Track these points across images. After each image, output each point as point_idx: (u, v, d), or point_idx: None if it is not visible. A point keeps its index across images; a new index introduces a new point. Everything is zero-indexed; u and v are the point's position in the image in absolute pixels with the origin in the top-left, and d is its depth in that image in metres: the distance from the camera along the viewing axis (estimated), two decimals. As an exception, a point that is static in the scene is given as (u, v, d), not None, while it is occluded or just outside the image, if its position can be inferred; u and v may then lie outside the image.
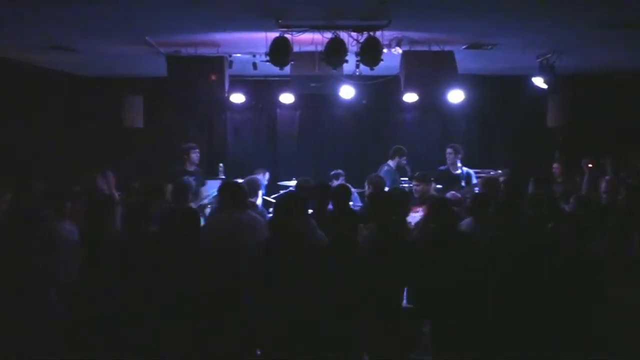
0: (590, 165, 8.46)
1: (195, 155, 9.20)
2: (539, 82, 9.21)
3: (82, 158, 10.57)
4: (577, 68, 9.90)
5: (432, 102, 10.71)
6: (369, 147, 9.65)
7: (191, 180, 8.58)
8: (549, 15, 6.84)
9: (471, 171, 9.44)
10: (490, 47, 8.53)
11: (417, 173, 8.31)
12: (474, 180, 9.21)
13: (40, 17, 6.86)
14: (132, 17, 6.93)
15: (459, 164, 9.42)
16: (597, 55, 9.08)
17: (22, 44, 8.37)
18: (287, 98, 10.74)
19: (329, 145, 9.80)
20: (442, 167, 9.50)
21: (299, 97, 10.74)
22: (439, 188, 8.57)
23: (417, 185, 7.90)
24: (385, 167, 9.45)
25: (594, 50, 8.69)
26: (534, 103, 10.64)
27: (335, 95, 10.01)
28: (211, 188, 8.58)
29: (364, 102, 10.84)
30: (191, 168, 9.15)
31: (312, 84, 8.85)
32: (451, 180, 9.05)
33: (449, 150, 9.50)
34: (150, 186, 6.85)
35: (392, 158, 9.51)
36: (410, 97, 10.10)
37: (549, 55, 8.76)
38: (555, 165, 9.48)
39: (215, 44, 8.38)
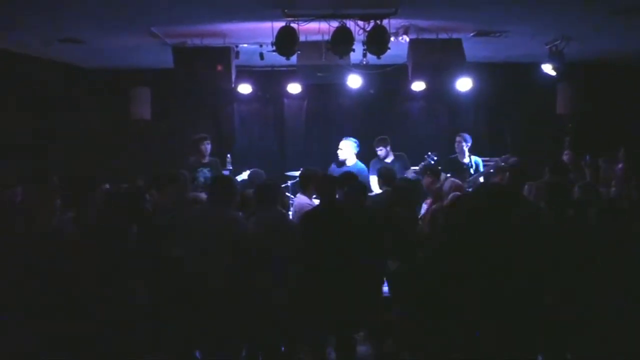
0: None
1: (205, 147, 9.17)
2: (548, 69, 9.11)
3: (90, 150, 10.56)
4: (587, 54, 9.80)
5: (440, 90, 10.66)
6: (377, 136, 9.56)
7: (206, 172, 8.84)
8: (558, 1, 6.76)
9: (479, 160, 9.38)
10: (498, 34, 8.44)
11: (425, 165, 8.30)
12: (482, 169, 9.16)
13: (48, 10, 6.85)
14: (138, 8, 6.90)
15: (468, 153, 9.34)
16: (608, 41, 8.97)
17: (30, 37, 8.37)
18: (294, 88, 10.70)
19: (336, 135, 9.73)
20: (451, 156, 9.43)
21: (306, 87, 10.70)
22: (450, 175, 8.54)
23: (427, 177, 7.84)
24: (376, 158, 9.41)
25: (604, 36, 8.59)
26: (543, 90, 10.53)
27: (342, 84, 9.97)
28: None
29: (371, 91, 10.79)
30: (205, 160, 9.13)
31: (319, 74, 8.79)
32: (459, 169, 9.00)
33: (457, 139, 9.44)
34: (165, 174, 6.81)
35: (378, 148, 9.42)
36: (418, 86, 10.08)
37: (558, 42, 8.67)
38: (565, 152, 9.41)
39: (221, 35, 8.34)
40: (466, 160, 9.27)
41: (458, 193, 6.52)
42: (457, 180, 7.14)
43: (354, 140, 9.19)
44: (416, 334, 5.49)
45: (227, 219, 5.60)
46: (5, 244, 5.02)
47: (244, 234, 5.55)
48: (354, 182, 6.46)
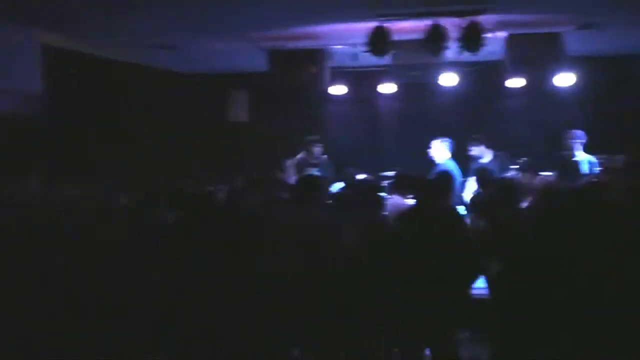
0: None
1: (315, 149, 9.39)
2: (657, 61, 8.65)
3: (190, 154, 10.91)
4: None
5: (539, 86, 10.29)
6: (473, 135, 9.37)
7: (315, 171, 8.96)
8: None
9: (593, 159, 8.90)
10: (601, 26, 8.08)
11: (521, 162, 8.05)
12: (596, 168, 8.69)
13: (143, 16, 7.13)
14: (232, 12, 7.07)
15: (581, 151, 8.89)
16: None
17: (125, 44, 8.73)
18: (388, 88, 10.64)
19: (431, 134, 9.61)
20: (562, 153, 8.99)
21: (400, 87, 10.61)
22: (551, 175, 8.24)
23: (526, 175, 7.60)
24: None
25: None
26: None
27: (436, 83, 9.82)
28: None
29: (467, 89, 10.56)
30: (314, 159, 9.35)
31: (413, 73, 8.73)
32: (571, 167, 8.59)
33: (569, 136, 9.00)
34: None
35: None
36: (516, 82, 9.77)
37: (668, 32, 8.22)
38: (676, 150, 8.88)
39: (314, 37, 8.42)
40: (578, 158, 8.81)
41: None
42: (547, 179, 6.89)
43: (445, 139, 9.02)
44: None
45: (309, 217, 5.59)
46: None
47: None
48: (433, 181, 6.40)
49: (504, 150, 9.24)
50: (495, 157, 9.00)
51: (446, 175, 6.75)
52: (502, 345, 5.83)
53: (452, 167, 8.79)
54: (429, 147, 9.09)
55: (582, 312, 4.83)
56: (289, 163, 9.70)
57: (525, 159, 8.35)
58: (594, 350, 4.78)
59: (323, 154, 9.71)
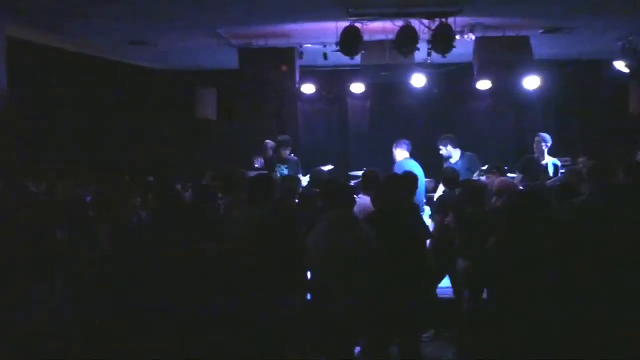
0: None
1: (285, 152, 9.43)
2: (620, 66, 8.83)
3: (156, 150, 10.83)
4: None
5: (506, 89, 10.43)
6: (441, 136, 9.45)
7: (284, 169, 9.20)
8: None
9: (558, 162, 9.04)
10: (568, 30, 8.22)
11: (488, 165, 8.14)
12: (561, 171, 8.83)
13: (118, 13, 7.06)
14: (204, 10, 7.03)
15: (547, 154, 9.01)
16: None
17: (100, 40, 8.64)
18: (357, 88, 10.67)
19: (400, 135, 9.66)
20: (528, 156, 9.11)
21: (369, 87, 10.66)
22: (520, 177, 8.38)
23: (492, 176, 7.70)
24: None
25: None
26: (615, 88, 10.20)
27: (406, 84, 9.88)
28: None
29: (435, 90, 10.64)
30: (285, 157, 9.42)
31: (383, 73, 8.75)
32: (537, 170, 8.73)
33: (537, 139, 9.10)
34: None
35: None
36: (484, 85, 9.88)
37: (631, 38, 8.38)
38: (639, 153, 9.07)
39: (285, 35, 8.41)
40: (545, 161, 8.94)
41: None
42: (508, 180, 6.98)
43: (404, 140, 9.07)
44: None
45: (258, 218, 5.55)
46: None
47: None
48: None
49: (472, 151, 9.35)
50: (463, 157, 9.08)
51: (411, 176, 6.80)
52: (468, 344, 5.94)
53: (413, 167, 8.79)
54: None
55: (548, 309, 4.94)
56: (258, 161, 9.73)
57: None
58: (557, 345, 4.91)
59: (292, 152, 9.74)
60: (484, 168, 8.34)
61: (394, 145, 8.99)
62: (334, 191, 5.54)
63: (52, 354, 4.83)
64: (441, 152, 9.11)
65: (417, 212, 6.30)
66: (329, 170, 9.00)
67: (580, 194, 5.93)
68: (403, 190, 6.20)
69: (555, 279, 4.94)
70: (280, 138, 9.60)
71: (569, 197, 5.80)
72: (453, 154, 9.05)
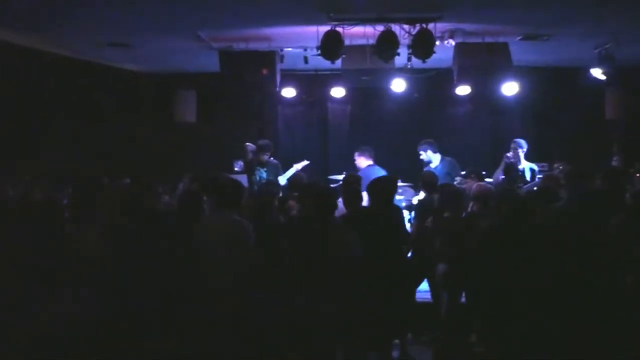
0: (638, 175, 8.16)
1: (264, 156, 9.37)
2: (597, 73, 8.94)
3: (135, 152, 10.76)
4: (637, 58, 9.56)
5: (485, 94, 10.53)
6: (421, 140, 9.50)
7: (263, 172, 9.21)
8: (609, 3, 6.63)
9: (535, 166, 9.11)
10: (546, 37, 8.33)
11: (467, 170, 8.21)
12: (538, 176, 8.90)
13: (98, 14, 7.02)
14: (185, 12, 7.01)
15: (523, 159, 9.07)
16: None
17: (80, 41, 8.58)
18: (338, 92, 10.69)
19: (380, 139, 9.73)
20: (506, 161, 9.16)
21: (350, 91, 10.68)
22: (504, 179, 8.45)
23: (471, 181, 7.75)
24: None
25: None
26: (591, 95, 10.34)
27: (386, 88, 9.93)
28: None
29: (415, 95, 10.70)
30: (264, 161, 9.40)
31: (363, 78, 8.79)
32: (515, 175, 8.79)
33: (512, 145, 9.14)
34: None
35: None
36: (463, 90, 9.96)
37: (608, 46, 8.50)
38: (614, 158, 9.20)
39: (266, 39, 8.42)
40: (521, 166, 9.01)
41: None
42: (486, 185, 7.04)
43: (366, 147, 9.14)
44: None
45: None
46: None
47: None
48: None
49: (451, 155, 9.40)
50: (443, 161, 9.12)
51: (391, 180, 6.83)
52: (446, 347, 5.98)
53: (378, 173, 8.80)
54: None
55: (531, 312, 5.01)
56: (238, 164, 9.73)
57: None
58: (538, 348, 4.98)
59: (272, 156, 9.75)
60: (464, 173, 8.41)
61: (357, 153, 9.04)
62: (315, 195, 5.50)
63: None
64: (421, 157, 9.14)
65: (397, 215, 6.32)
66: (304, 166, 9.12)
67: (558, 198, 6.01)
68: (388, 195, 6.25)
69: (538, 282, 5.02)
70: (260, 142, 9.62)
71: (547, 202, 5.87)
72: (433, 158, 9.08)
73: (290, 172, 9.10)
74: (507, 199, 5.80)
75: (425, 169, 8.87)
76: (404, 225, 6.39)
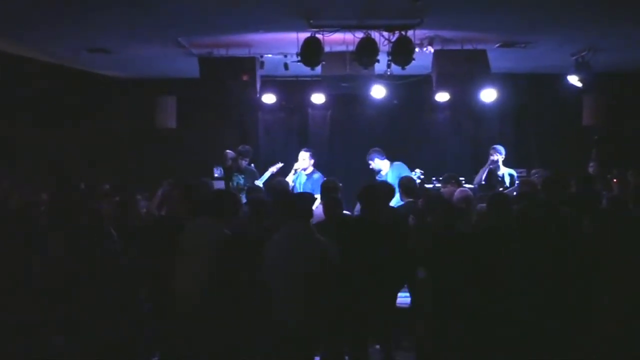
0: (615, 181, 8.26)
1: (240, 162, 9.53)
2: (574, 80, 9.05)
3: (114, 158, 10.70)
4: (613, 65, 9.69)
5: (464, 101, 10.61)
6: (401, 147, 9.55)
7: (240, 178, 9.38)
8: (586, 11, 6.71)
9: (514, 172, 9.16)
10: (524, 45, 8.42)
11: (445, 175, 8.24)
12: (517, 182, 8.94)
13: (77, 20, 6.98)
14: (165, 18, 7.00)
15: (501, 165, 9.10)
16: (636, 52, 8.88)
17: (59, 47, 8.52)
18: (318, 98, 10.71)
19: (360, 145, 9.73)
20: (484, 168, 9.20)
21: (330, 97, 10.71)
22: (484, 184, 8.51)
23: (444, 187, 7.79)
24: None
25: (633, 47, 8.51)
26: (568, 101, 10.46)
27: (366, 95, 9.98)
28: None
29: (395, 102, 10.74)
30: (242, 167, 9.51)
31: (343, 84, 8.84)
32: (493, 181, 8.85)
33: (491, 151, 9.18)
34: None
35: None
36: (442, 97, 10.02)
37: (584, 53, 8.61)
38: (591, 164, 9.30)
39: (246, 45, 8.42)
40: (500, 172, 9.05)
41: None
42: (467, 190, 7.07)
43: (307, 150, 9.19)
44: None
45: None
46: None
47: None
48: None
49: (431, 160, 9.41)
50: (392, 167, 8.95)
51: (387, 185, 6.87)
52: (427, 353, 5.98)
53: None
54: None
55: (513, 317, 5.07)
56: (217, 170, 9.69)
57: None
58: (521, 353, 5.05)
59: (250, 162, 9.75)
60: (441, 178, 8.41)
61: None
62: (291, 202, 5.48)
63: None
64: (371, 167, 9.07)
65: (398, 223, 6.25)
66: (278, 168, 9.21)
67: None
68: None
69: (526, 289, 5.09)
70: (240, 148, 9.64)
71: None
72: (382, 166, 8.97)
73: (266, 176, 9.21)
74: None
75: (377, 177, 8.83)
76: (403, 235, 6.23)
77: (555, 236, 5.25)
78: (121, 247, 5.50)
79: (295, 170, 9.04)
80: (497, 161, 8.88)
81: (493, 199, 6.12)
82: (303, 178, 8.99)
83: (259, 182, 9.01)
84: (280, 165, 9.31)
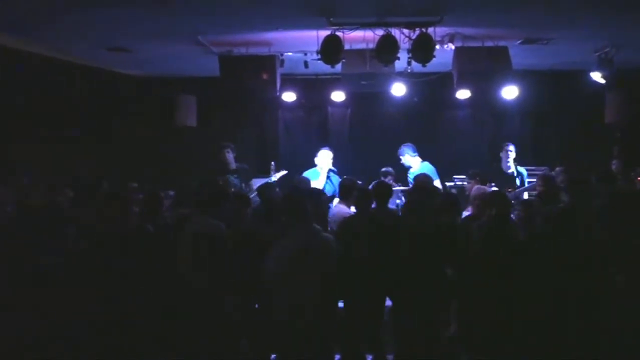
0: (639, 179, 8.17)
1: (227, 156, 9.13)
2: (596, 77, 8.96)
3: (135, 157, 10.77)
4: (636, 62, 9.57)
5: (485, 98, 10.55)
6: (421, 144, 9.49)
7: (233, 179, 8.88)
8: (609, 7, 6.63)
9: (524, 170, 9.12)
10: (546, 41, 8.34)
11: (470, 171, 8.20)
12: (526, 180, 8.90)
13: (98, 19, 7.03)
14: (186, 17, 7.03)
15: (514, 163, 9.05)
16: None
17: (79, 46, 8.59)
18: (338, 96, 10.70)
19: (380, 143, 9.72)
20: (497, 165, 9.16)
21: (350, 95, 10.69)
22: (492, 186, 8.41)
23: (474, 184, 7.74)
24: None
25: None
26: (591, 99, 10.34)
27: (386, 92, 9.94)
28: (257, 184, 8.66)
29: (415, 99, 10.71)
30: (231, 167, 9.10)
31: (363, 82, 8.80)
32: (504, 179, 8.81)
33: (504, 147, 9.14)
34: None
35: None
36: (463, 94, 9.97)
37: (607, 49, 8.51)
38: (614, 162, 9.21)
39: (266, 43, 8.43)
40: (512, 170, 9.01)
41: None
42: (484, 187, 7.02)
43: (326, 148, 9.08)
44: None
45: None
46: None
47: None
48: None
49: (451, 159, 9.37)
50: (422, 165, 9.01)
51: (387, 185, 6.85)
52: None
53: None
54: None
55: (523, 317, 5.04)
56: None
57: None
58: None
59: (273, 159, 9.68)
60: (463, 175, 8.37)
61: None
62: (294, 207, 5.35)
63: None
64: (402, 162, 9.11)
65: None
66: (282, 176, 8.89)
67: (559, 201, 6.02)
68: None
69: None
70: (224, 144, 9.34)
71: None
72: (412, 163, 9.04)
73: (275, 178, 8.88)
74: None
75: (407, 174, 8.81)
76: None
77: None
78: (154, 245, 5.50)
79: (328, 170, 8.78)
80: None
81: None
82: (335, 178, 8.76)
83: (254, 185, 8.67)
84: (284, 172, 9.02)
